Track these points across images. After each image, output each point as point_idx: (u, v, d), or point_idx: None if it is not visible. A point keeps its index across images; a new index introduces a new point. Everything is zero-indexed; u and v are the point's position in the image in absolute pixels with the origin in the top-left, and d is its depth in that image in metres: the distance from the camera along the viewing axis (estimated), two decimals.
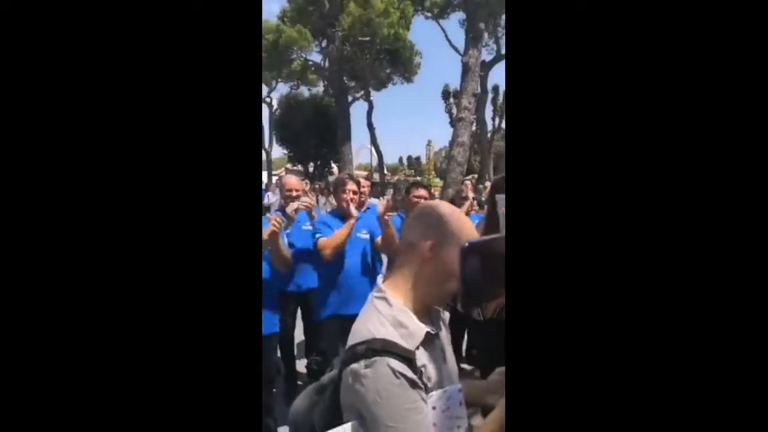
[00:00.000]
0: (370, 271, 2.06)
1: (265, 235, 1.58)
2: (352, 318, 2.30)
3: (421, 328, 0.65)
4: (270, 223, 1.58)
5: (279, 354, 2.29)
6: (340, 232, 1.91)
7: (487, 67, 13.73)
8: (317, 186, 9.23)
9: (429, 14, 13.80)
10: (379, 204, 1.95)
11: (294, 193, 2.24)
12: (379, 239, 2.00)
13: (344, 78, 13.47)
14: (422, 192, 2.30)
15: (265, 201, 5.61)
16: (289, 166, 17.16)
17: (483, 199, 3.47)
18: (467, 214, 2.46)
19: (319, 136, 16.85)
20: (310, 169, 17.74)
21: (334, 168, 16.94)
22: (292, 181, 2.32)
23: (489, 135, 15.47)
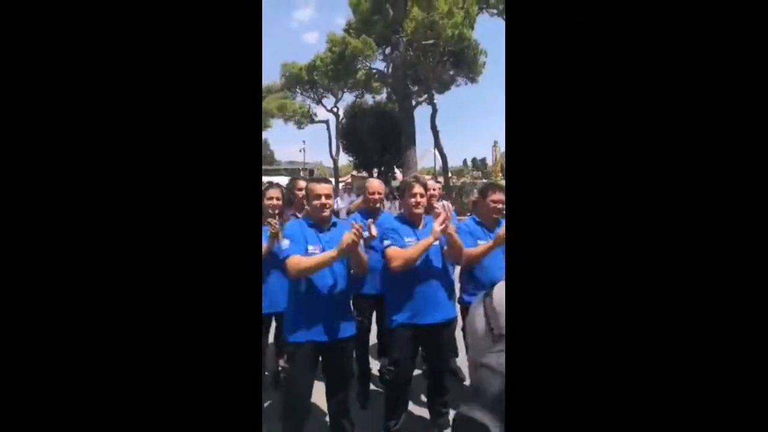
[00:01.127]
0: (443, 279, 1.97)
1: (348, 239, 1.60)
2: (427, 327, 2.21)
3: None
4: (352, 230, 1.60)
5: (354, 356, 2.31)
6: (415, 248, 1.82)
7: None
8: None
9: (494, 11, 13.33)
10: (437, 221, 1.79)
11: (377, 196, 2.29)
12: (445, 248, 1.89)
13: (408, 83, 13.54)
14: (500, 196, 2.17)
15: (335, 206, 5.81)
16: (354, 172, 17.72)
17: None
18: None
19: (382, 142, 17.16)
20: (374, 175, 18.11)
21: (398, 173, 17.08)
22: (375, 184, 2.38)
23: None
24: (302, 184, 2.57)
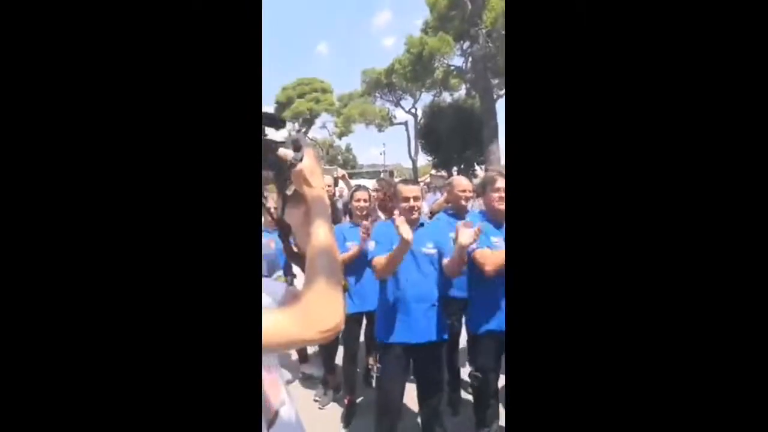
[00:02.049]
0: None
1: (467, 239, 1.55)
2: None
3: None
4: (475, 232, 1.54)
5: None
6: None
7: None
8: None
9: None
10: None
11: (468, 193, 2.22)
12: None
13: (488, 76, 12.97)
14: None
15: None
16: (433, 172, 17.56)
17: None
18: None
19: (461, 139, 16.70)
20: (454, 173, 17.72)
21: (478, 170, 16.46)
22: (463, 182, 2.32)
23: None
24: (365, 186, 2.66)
